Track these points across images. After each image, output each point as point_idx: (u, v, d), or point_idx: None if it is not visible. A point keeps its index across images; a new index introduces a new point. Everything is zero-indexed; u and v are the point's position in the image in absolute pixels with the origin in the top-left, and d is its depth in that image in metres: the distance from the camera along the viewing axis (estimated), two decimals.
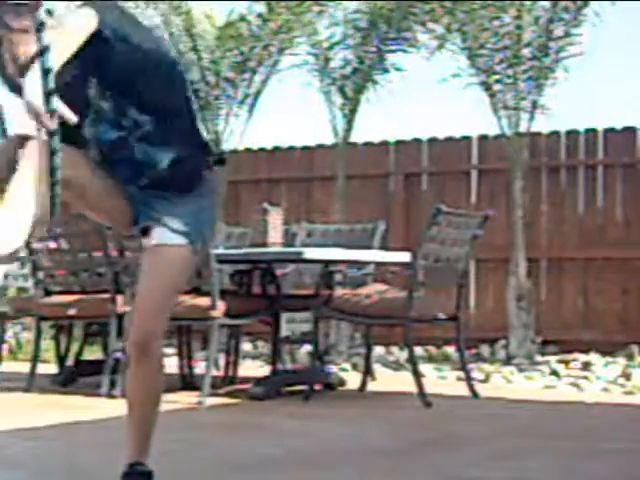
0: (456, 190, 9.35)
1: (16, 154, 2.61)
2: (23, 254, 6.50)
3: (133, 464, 3.17)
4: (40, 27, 2.33)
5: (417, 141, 9.71)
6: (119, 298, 5.89)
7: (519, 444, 4.44)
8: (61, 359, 6.72)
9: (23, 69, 2.42)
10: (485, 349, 8.57)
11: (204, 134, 3.02)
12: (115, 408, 5.33)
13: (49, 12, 2.39)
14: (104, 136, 2.86)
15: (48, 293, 6.27)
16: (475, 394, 5.89)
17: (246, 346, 8.68)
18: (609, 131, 8.99)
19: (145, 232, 2.93)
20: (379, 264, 6.56)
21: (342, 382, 6.36)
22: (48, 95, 2.34)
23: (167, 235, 2.90)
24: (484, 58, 8.37)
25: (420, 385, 5.57)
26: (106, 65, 2.78)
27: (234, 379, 6.46)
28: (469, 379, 5.96)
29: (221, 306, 5.60)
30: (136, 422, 3.27)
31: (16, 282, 7.65)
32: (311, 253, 5.67)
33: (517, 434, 4.74)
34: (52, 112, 2.35)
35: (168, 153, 2.89)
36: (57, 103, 2.37)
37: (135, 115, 2.84)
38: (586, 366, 7.54)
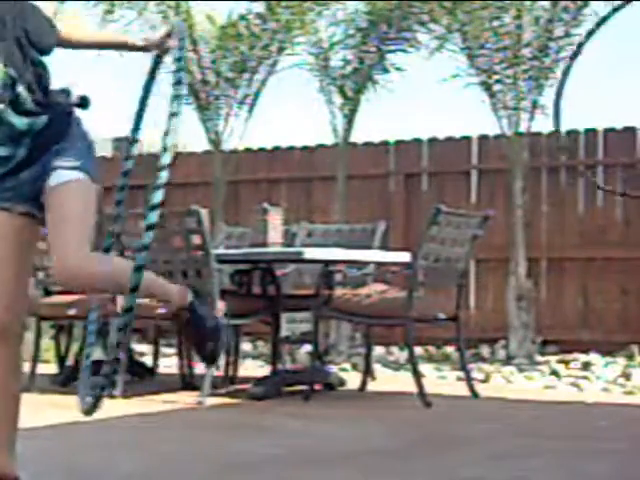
0: (456, 190, 9.35)
1: None
2: None
3: None
4: None
5: (417, 141, 9.71)
6: (119, 298, 5.88)
7: (519, 444, 4.43)
8: (61, 359, 6.72)
9: None
10: (485, 349, 8.57)
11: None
12: (115, 408, 5.33)
13: None
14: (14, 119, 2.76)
15: (48, 293, 6.27)
16: (475, 394, 5.89)
17: (246, 346, 8.68)
18: (609, 131, 8.99)
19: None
20: (379, 264, 6.56)
21: (342, 382, 6.36)
22: None
23: (62, 174, 2.81)
24: (484, 58, 8.37)
25: (420, 385, 5.57)
26: None
27: (234, 379, 6.46)
28: (469, 379, 5.96)
29: (221, 306, 5.60)
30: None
31: None
32: (311, 253, 5.67)
33: (517, 434, 4.74)
34: None
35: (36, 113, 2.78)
36: None
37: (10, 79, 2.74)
38: (586, 366, 7.54)
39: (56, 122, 2.81)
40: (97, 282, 2.88)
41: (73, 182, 2.80)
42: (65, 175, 2.80)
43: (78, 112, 2.90)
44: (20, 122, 2.73)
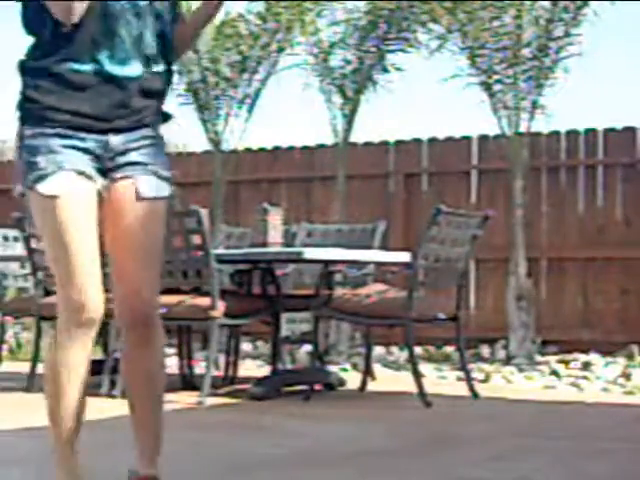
0: (456, 190, 9.35)
1: None
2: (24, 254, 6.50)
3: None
4: None
5: (417, 141, 9.71)
6: None
7: (519, 444, 4.43)
8: None
9: None
10: (485, 349, 8.57)
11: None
12: (115, 408, 5.32)
13: None
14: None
15: (48, 293, 6.27)
16: (475, 394, 5.89)
17: (246, 346, 8.68)
18: (609, 131, 8.99)
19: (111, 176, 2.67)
20: (379, 264, 6.56)
21: (342, 382, 6.36)
22: None
23: (159, 185, 2.69)
24: (484, 58, 8.37)
25: (420, 385, 5.57)
26: None
27: (234, 379, 6.47)
28: (469, 379, 5.96)
29: (221, 306, 5.60)
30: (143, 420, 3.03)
31: (16, 282, 7.64)
32: (311, 253, 5.67)
33: (517, 434, 4.74)
34: None
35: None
36: None
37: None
38: (586, 366, 7.53)
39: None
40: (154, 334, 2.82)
41: (164, 201, 2.72)
42: (163, 189, 2.71)
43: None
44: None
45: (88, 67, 2.59)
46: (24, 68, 2.64)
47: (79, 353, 2.81)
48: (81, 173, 2.59)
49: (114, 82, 2.61)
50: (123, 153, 2.65)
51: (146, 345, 2.79)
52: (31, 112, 2.61)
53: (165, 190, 2.71)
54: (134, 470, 2.99)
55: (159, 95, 2.72)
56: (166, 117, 2.78)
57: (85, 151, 2.61)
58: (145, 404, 3.03)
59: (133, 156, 2.66)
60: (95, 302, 2.66)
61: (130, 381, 3.01)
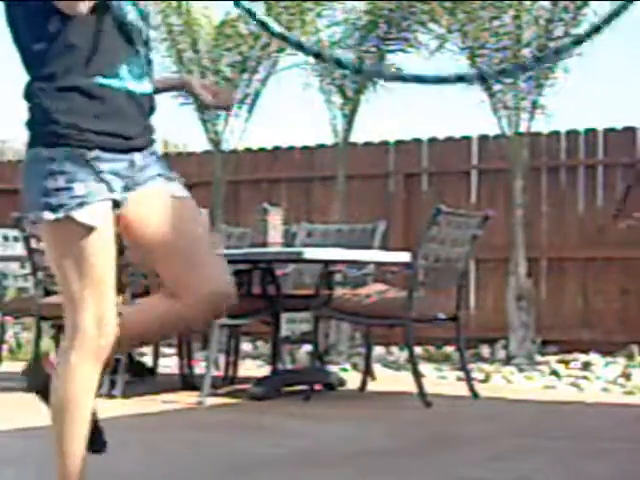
0: (456, 190, 9.35)
1: None
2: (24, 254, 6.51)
3: None
4: None
5: (417, 141, 9.71)
6: (119, 298, 5.88)
7: (519, 444, 4.43)
8: None
9: None
10: (485, 349, 8.57)
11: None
12: (115, 408, 5.33)
13: None
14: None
15: (48, 293, 6.27)
16: (475, 394, 5.89)
17: (246, 346, 8.68)
18: (609, 131, 8.99)
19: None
20: (379, 264, 6.56)
21: (342, 382, 6.36)
22: None
23: (181, 190, 2.69)
24: (484, 58, 8.37)
25: (420, 385, 5.57)
26: None
27: (234, 379, 6.47)
28: (469, 379, 5.96)
29: None
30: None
31: (16, 282, 7.65)
32: (311, 253, 5.67)
33: (517, 434, 4.74)
34: None
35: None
36: None
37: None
38: (586, 366, 7.53)
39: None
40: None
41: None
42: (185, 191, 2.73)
43: None
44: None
45: (113, 82, 2.53)
46: (40, 89, 2.52)
47: (90, 381, 2.59)
48: (114, 201, 2.55)
49: (134, 98, 2.57)
50: (142, 169, 2.62)
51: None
52: (58, 134, 2.49)
53: (183, 190, 2.70)
54: None
55: (154, 113, 2.71)
56: None
57: (117, 174, 2.55)
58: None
59: (152, 170, 2.64)
60: (111, 329, 2.58)
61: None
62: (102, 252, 2.52)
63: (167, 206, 2.62)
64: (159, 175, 2.65)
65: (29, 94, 2.54)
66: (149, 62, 2.65)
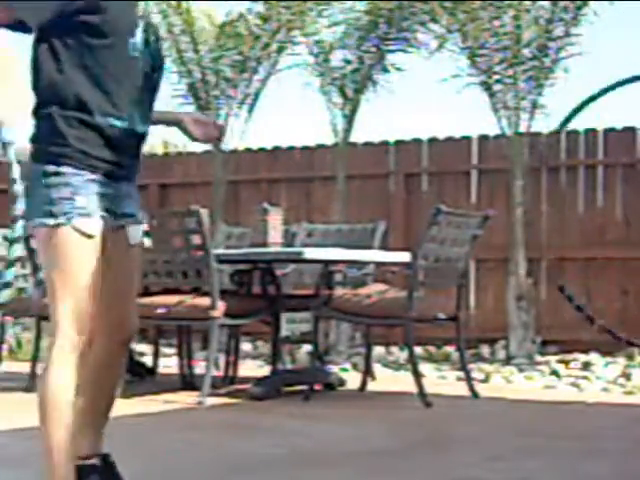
0: (456, 190, 9.35)
1: None
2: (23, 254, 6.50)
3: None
4: None
5: (417, 141, 9.71)
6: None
7: (519, 444, 4.43)
8: None
9: None
10: (485, 349, 8.57)
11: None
12: (115, 408, 5.32)
13: None
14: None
15: None
16: (475, 394, 5.89)
17: (246, 346, 8.68)
18: (609, 131, 8.99)
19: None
20: (379, 264, 6.56)
21: (342, 382, 6.36)
22: None
23: (139, 232, 2.98)
24: (484, 58, 8.37)
25: (420, 385, 5.57)
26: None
27: (234, 379, 6.46)
28: (469, 379, 5.96)
29: (221, 306, 5.60)
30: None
31: (16, 282, 7.64)
32: (311, 253, 5.67)
33: (517, 434, 4.74)
34: None
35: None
36: None
37: None
38: (586, 366, 7.53)
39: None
40: None
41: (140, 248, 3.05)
42: (141, 237, 3.04)
43: None
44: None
45: (124, 124, 2.81)
46: (61, 116, 2.76)
47: (66, 379, 2.77)
48: (105, 220, 2.81)
49: (135, 136, 2.87)
50: (122, 199, 2.89)
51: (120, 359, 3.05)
52: (68, 156, 2.74)
53: (140, 235, 3.01)
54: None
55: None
56: None
57: (108, 197, 2.82)
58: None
59: (128, 207, 2.92)
60: (86, 329, 2.79)
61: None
62: (92, 261, 2.76)
63: (123, 253, 2.91)
64: (131, 215, 2.93)
65: (45, 115, 2.77)
66: (152, 106, 2.94)
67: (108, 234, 2.81)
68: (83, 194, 2.74)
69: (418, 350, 7.66)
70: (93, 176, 2.76)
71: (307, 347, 7.72)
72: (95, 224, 2.76)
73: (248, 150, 10.31)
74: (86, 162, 2.75)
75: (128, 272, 2.96)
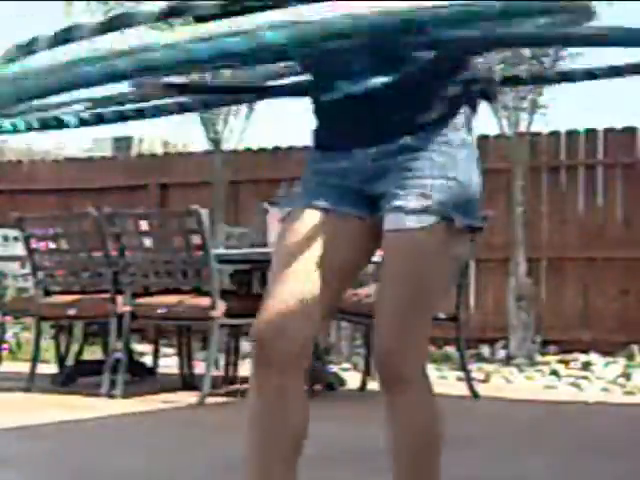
0: None
1: None
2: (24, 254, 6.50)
3: None
4: None
5: None
6: (119, 298, 5.89)
7: (519, 444, 4.43)
8: (61, 359, 6.71)
9: None
10: (485, 349, 8.57)
11: None
12: (115, 408, 5.33)
13: None
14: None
15: (48, 293, 6.27)
16: (475, 394, 5.89)
17: (246, 346, 8.67)
18: (609, 131, 8.99)
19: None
20: (379, 264, 6.55)
21: (342, 382, 6.36)
22: None
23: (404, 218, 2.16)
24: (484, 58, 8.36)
25: None
26: None
27: (234, 379, 6.46)
28: (469, 379, 5.96)
29: (221, 306, 5.60)
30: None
31: (16, 282, 7.64)
32: None
33: (517, 434, 4.74)
34: None
35: None
36: None
37: None
38: (586, 366, 7.53)
39: None
40: None
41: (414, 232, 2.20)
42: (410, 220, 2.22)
43: None
44: None
45: None
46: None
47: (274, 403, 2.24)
48: None
49: None
50: None
51: (395, 406, 2.36)
52: None
53: None
54: None
55: None
56: None
57: None
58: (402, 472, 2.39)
59: None
60: (279, 338, 2.11)
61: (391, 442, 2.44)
62: None
63: None
64: None
65: None
66: None
67: None
68: None
69: None
70: None
71: None
72: None
73: (248, 150, 10.31)
74: None
75: None
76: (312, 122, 2.30)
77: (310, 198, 2.20)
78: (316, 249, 2.18)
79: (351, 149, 2.17)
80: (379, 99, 2.14)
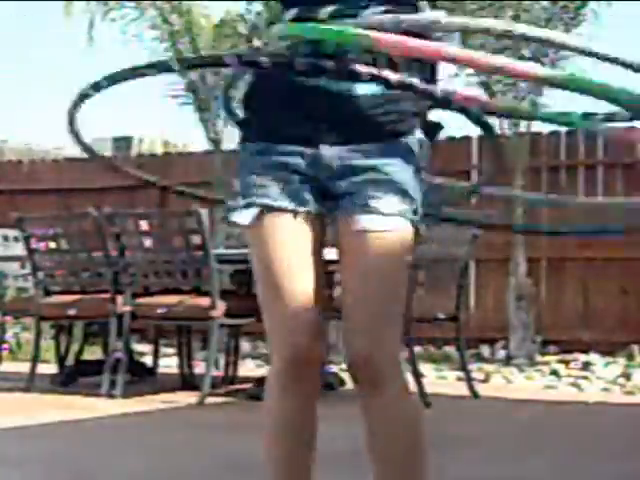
0: None
1: None
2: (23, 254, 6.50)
3: None
4: None
5: None
6: (119, 298, 5.89)
7: (519, 444, 4.44)
8: (61, 359, 6.72)
9: None
10: (485, 349, 8.57)
11: None
12: (115, 408, 5.33)
13: None
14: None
15: (48, 293, 6.27)
16: (475, 394, 5.89)
17: (246, 346, 8.68)
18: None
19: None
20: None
21: (342, 382, 6.36)
22: None
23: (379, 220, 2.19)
24: None
25: (420, 385, 5.57)
26: None
27: (234, 379, 6.46)
28: (469, 379, 5.96)
29: (221, 306, 5.60)
30: None
31: (16, 282, 7.64)
32: None
33: (517, 434, 4.74)
34: None
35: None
36: None
37: None
38: (586, 366, 7.53)
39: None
40: None
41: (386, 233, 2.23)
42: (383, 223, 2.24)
43: None
44: None
45: None
46: None
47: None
48: None
49: None
50: None
51: (372, 397, 2.31)
52: None
53: None
54: None
55: None
56: None
57: None
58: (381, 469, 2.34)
59: None
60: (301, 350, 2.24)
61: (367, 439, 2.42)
62: None
63: None
64: None
65: None
66: None
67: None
68: None
69: (418, 350, 7.66)
70: None
71: None
72: None
73: None
74: None
75: None
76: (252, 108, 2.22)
77: (274, 199, 2.23)
78: (302, 254, 2.30)
79: (317, 145, 2.17)
80: (363, 102, 2.16)
